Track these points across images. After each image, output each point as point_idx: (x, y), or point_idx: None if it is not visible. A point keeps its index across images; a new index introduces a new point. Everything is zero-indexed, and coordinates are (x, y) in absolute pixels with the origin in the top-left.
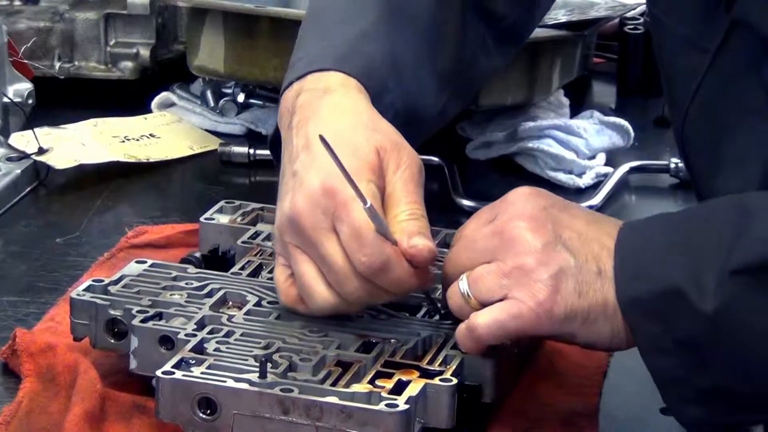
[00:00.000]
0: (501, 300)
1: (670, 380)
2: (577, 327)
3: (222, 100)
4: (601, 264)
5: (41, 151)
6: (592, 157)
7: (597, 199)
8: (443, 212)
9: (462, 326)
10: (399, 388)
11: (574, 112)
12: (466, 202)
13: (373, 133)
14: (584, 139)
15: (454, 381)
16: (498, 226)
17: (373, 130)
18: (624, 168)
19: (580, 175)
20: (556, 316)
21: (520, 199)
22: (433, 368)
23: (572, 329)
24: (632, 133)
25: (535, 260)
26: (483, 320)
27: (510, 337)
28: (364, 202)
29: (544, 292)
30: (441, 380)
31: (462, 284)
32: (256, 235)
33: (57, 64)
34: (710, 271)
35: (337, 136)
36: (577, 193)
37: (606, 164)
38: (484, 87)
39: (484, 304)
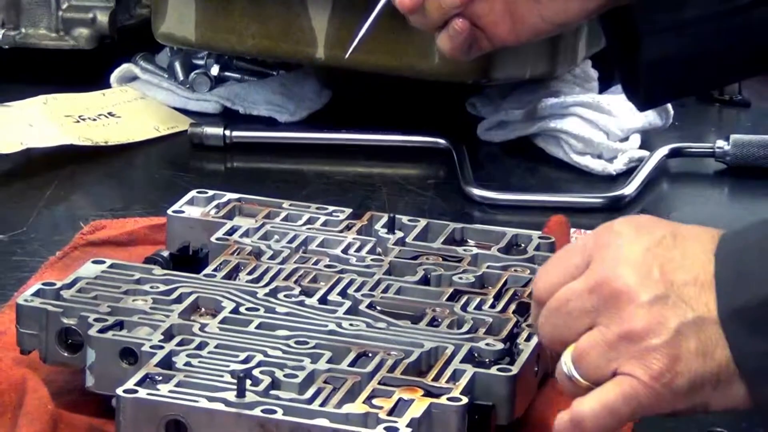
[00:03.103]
0: (612, 377)
1: None
2: (708, 395)
3: (193, 73)
4: None
5: None
6: (625, 139)
7: (630, 188)
8: (451, 203)
9: (564, 416)
10: (400, 409)
11: (604, 87)
12: (477, 192)
13: None
14: (615, 118)
15: (464, 400)
16: (593, 279)
17: None
18: (662, 151)
19: (610, 160)
20: (679, 388)
21: (619, 237)
22: (439, 385)
23: (703, 399)
24: (671, 111)
25: (644, 322)
26: (589, 407)
27: (624, 423)
28: None
29: (661, 362)
30: (448, 399)
31: (565, 363)
32: (233, 230)
33: (0, 32)
34: None
35: None
36: (607, 181)
37: (641, 147)
38: (498, 57)
39: (596, 384)
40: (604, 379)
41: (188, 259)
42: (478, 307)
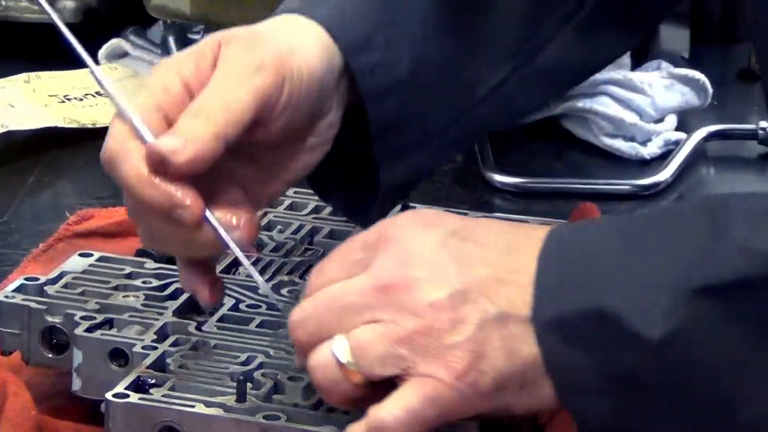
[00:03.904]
0: (399, 377)
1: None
2: (513, 395)
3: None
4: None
5: None
6: (660, 120)
7: (666, 174)
8: (470, 190)
9: (359, 427)
10: None
11: (637, 63)
12: (498, 178)
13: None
14: (649, 98)
15: None
16: (378, 275)
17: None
18: (700, 133)
19: (644, 143)
20: (484, 388)
21: (405, 231)
22: None
23: (508, 399)
24: (710, 90)
25: (442, 319)
26: (390, 413)
27: (429, 429)
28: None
29: (464, 360)
30: None
31: (338, 348)
32: None
33: None
34: (663, 288)
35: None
36: (640, 166)
37: (677, 129)
38: None
39: (372, 379)
40: (386, 376)
41: None
42: None
